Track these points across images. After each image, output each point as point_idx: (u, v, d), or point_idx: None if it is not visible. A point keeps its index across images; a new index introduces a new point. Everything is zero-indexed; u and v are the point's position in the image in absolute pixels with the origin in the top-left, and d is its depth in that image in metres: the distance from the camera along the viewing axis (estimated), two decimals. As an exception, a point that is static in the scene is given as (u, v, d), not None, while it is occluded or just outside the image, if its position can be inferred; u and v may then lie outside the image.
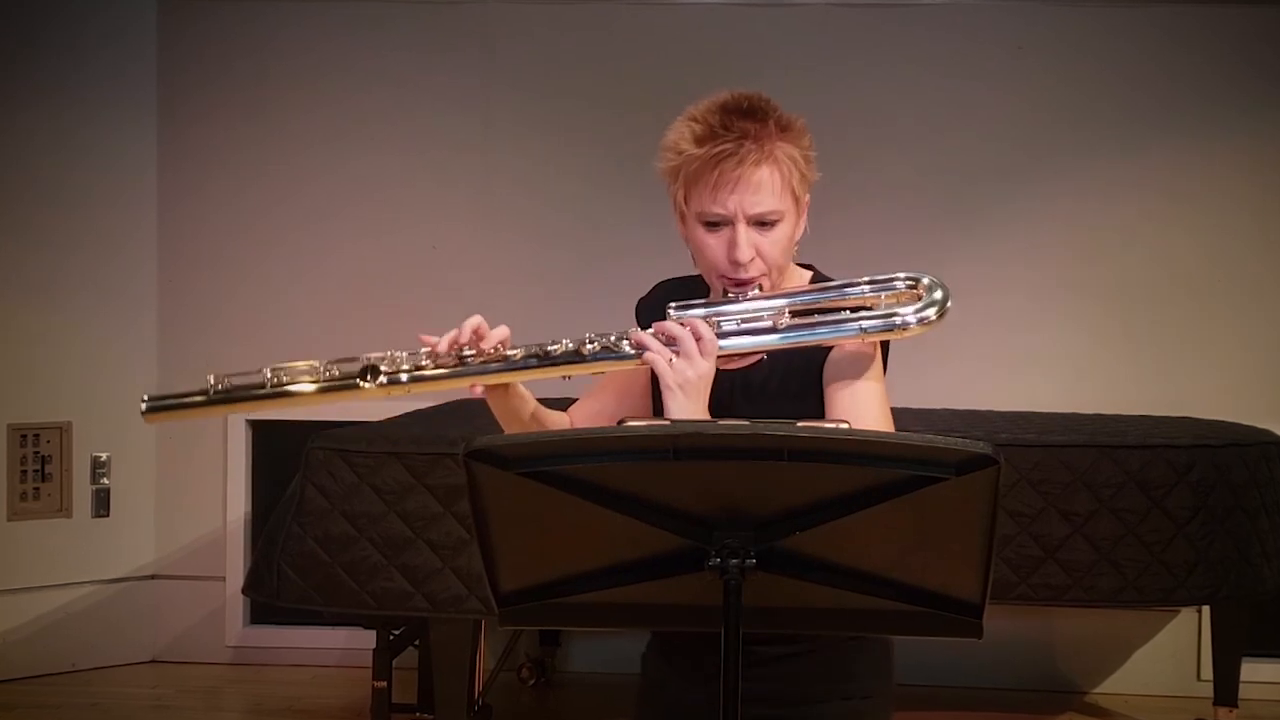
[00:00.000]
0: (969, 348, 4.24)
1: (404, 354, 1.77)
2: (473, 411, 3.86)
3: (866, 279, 1.78)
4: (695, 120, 1.77)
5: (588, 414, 1.97)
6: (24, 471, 4.37)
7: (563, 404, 2.02)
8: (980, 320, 4.21)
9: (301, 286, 4.53)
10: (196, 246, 4.56)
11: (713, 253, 1.79)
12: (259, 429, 4.55)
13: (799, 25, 4.40)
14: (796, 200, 1.79)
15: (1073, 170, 4.38)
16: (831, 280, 1.83)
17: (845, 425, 1.47)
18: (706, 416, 1.72)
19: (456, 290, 4.43)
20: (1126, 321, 4.37)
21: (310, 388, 1.76)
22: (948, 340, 3.72)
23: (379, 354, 1.76)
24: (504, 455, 1.39)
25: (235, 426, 4.53)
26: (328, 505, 3.26)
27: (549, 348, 1.76)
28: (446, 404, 4.05)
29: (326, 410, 4.42)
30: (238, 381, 1.76)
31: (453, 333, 1.76)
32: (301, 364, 1.76)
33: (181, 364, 4.44)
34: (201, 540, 4.57)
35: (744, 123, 1.75)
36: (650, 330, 1.77)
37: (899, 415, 1.83)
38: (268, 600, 3.36)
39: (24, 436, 4.38)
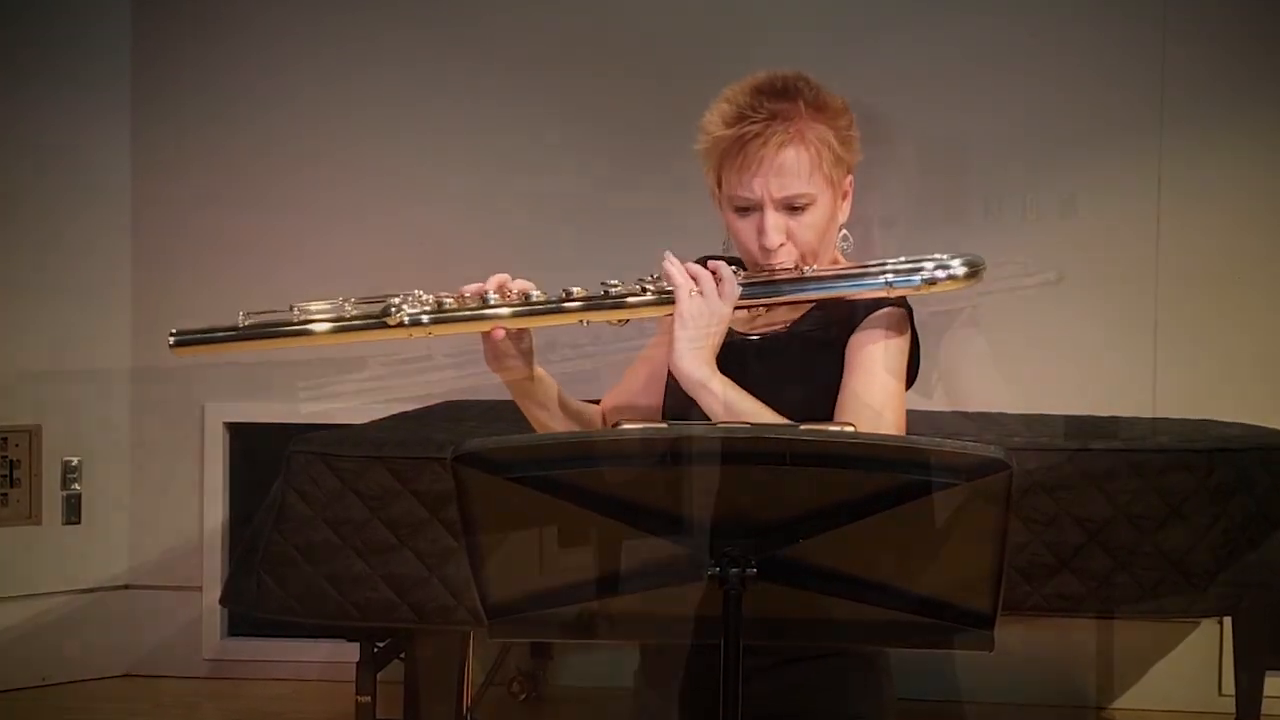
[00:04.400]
0: (980, 347, 4.18)
1: (428, 295, 1.85)
2: (461, 415, 3.79)
3: (902, 259, 1.82)
4: (727, 101, 1.81)
5: (617, 404, 1.99)
6: (-10, 477, 4.33)
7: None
8: (992, 320, 4.18)
9: (283, 286, 4.41)
10: (172, 245, 4.49)
11: (745, 237, 1.82)
12: (237, 432, 4.48)
13: (803, 6, 4.33)
14: (831, 183, 1.80)
15: (1090, 164, 4.30)
16: None
17: (850, 428, 1.45)
18: (712, 360, 1.74)
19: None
20: (1144, 322, 4.29)
21: (333, 325, 1.85)
22: (957, 340, 3.69)
23: (402, 294, 1.85)
24: (493, 460, 1.38)
25: (213, 429, 4.47)
26: (309, 512, 3.18)
27: (571, 290, 1.82)
28: (438, 405, 3.97)
29: (308, 413, 4.35)
30: (264, 319, 1.85)
31: (476, 285, 1.85)
32: (325, 303, 1.86)
33: (157, 366, 4.36)
34: (177, 548, 4.49)
35: (773, 103, 1.78)
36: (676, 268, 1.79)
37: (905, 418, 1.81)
38: (246, 611, 3.31)
39: (-10, 440, 4.33)
